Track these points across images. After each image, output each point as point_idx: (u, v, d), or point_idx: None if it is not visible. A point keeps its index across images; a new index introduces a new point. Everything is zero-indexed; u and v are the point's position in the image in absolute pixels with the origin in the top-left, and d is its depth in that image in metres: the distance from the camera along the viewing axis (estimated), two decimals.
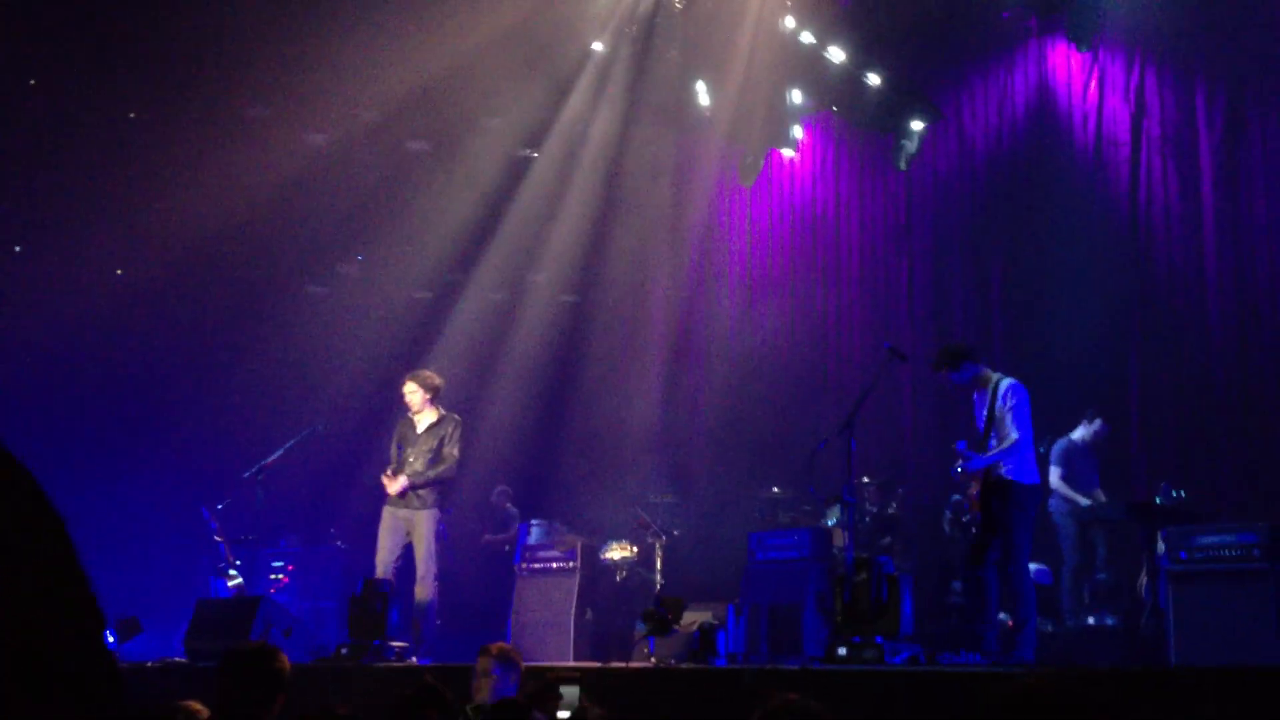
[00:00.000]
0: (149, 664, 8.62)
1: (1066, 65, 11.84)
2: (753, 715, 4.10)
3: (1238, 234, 10.66)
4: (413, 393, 9.42)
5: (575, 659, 9.80)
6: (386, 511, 9.33)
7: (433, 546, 9.29)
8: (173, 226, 12.50)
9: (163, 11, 11.58)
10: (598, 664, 8.33)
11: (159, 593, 10.79)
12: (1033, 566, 8.46)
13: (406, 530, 9.31)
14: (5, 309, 12.52)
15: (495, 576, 11.90)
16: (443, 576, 9.54)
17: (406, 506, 9.28)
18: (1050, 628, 9.50)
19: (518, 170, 13.64)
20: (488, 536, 12.74)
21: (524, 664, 6.19)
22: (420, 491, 9.25)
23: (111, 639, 9.53)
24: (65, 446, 12.55)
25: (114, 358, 12.61)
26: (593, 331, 14.14)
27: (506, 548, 12.07)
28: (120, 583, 11.58)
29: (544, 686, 5.17)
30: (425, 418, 9.49)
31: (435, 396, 9.48)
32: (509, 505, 12.97)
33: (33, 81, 12.15)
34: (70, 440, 12.64)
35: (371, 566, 9.34)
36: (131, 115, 12.56)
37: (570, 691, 5.19)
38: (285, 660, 4.33)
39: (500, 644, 6.31)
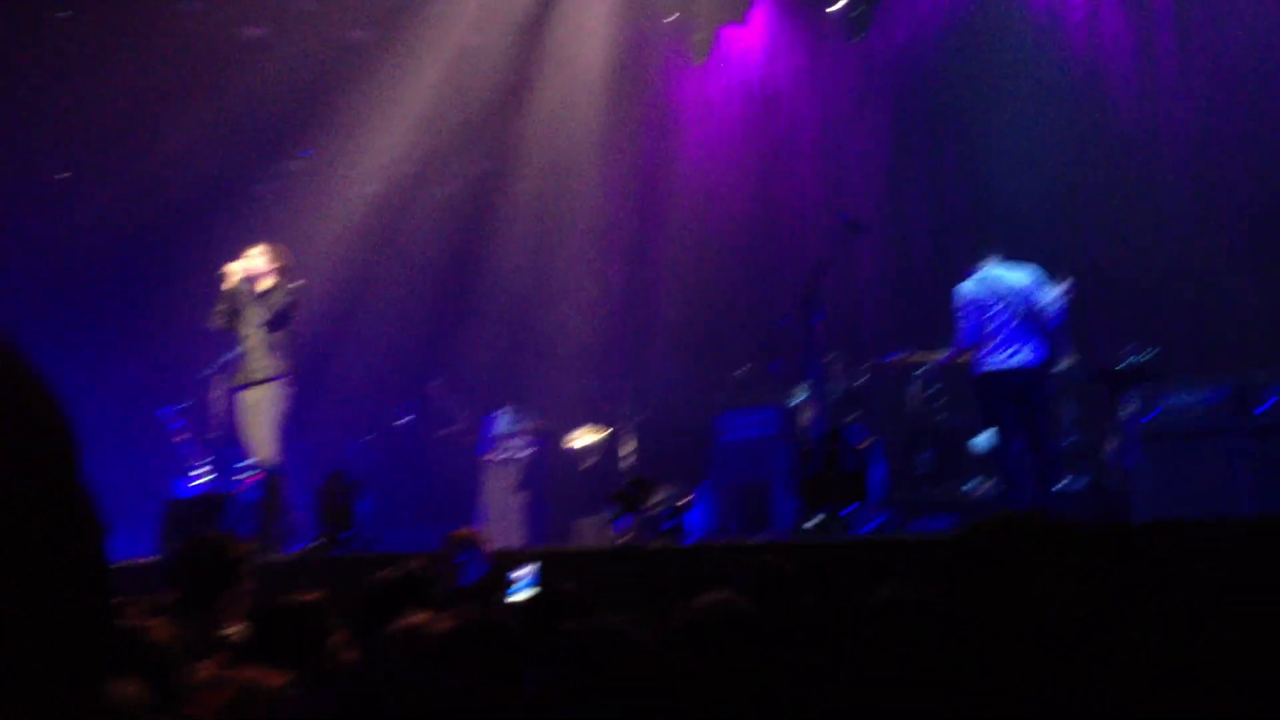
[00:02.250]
0: (120, 564, 8.57)
1: None
2: (725, 576, 4.13)
3: (1193, 86, 10.61)
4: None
5: (547, 545, 9.85)
6: None
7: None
8: (110, 129, 12.18)
9: None
10: (566, 547, 8.36)
11: (127, 494, 10.69)
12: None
13: None
14: None
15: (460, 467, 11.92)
16: (413, 470, 9.42)
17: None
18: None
19: (465, 58, 13.31)
20: (441, 432, 12.72)
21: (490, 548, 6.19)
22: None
23: None
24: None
25: (65, 262, 12.35)
26: (549, 221, 13.96)
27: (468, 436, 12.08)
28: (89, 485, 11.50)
29: (497, 568, 5.16)
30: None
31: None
32: (442, 397, 13.00)
33: None
34: (26, 348, 12.41)
35: (342, 460, 9.27)
36: (64, 13, 12.12)
37: (529, 570, 5.17)
38: (241, 549, 4.28)
39: (464, 529, 6.29)
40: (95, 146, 12.40)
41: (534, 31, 13.40)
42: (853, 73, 12.87)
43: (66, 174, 12.83)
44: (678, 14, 13.44)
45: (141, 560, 8.53)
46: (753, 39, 13.53)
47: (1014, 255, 9.83)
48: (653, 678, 2.53)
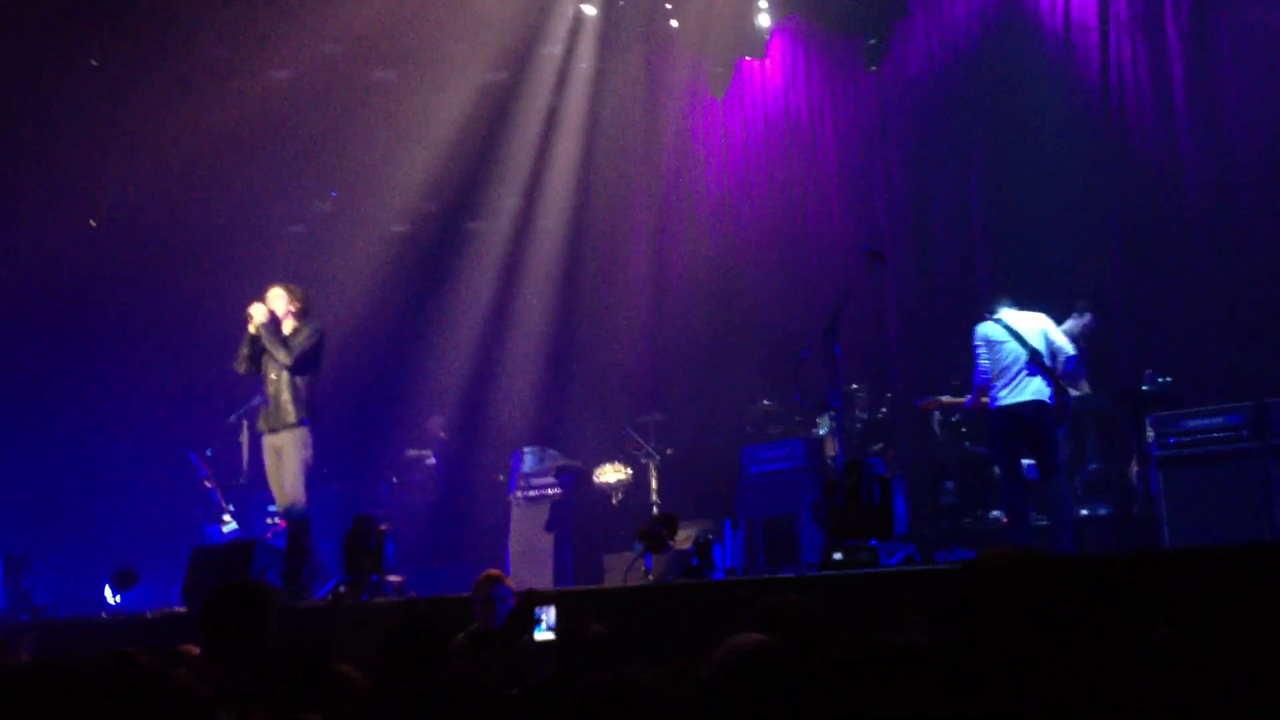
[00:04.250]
0: (148, 614, 8.64)
1: None
2: (750, 617, 4.12)
3: (1211, 112, 10.58)
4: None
5: (575, 583, 9.84)
6: None
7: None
8: (142, 173, 12.35)
9: None
10: (595, 586, 8.35)
11: (155, 543, 10.80)
12: (1024, 462, 8.54)
13: None
14: None
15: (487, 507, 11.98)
16: (433, 509, 9.40)
17: None
18: (1044, 521, 9.55)
19: (487, 96, 13.43)
20: (410, 451, 13.11)
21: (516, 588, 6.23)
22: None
23: (111, 592, 9.58)
24: (49, 401, 12.50)
25: (91, 309, 12.50)
26: (573, 255, 14.04)
27: (428, 461, 12.85)
28: (116, 534, 11.61)
29: (520, 609, 5.17)
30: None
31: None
32: (441, 434, 13.30)
33: None
34: (54, 395, 12.58)
35: (365, 504, 9.27)
36: (92, 62, 12.32)
37: (547, 612, 5.18)
38: (270, 595, 4.31)
39: (493, 570, 6.34)
40: (124, 192, 12.56)
41: (553, 68, 13.51)
42: (871, 102, 12.88)
43: (94, 223, 13.00)
44: (697, 48, 13.52)
45: (169, 609, 8.61)
46: (771, 71, 13.58)
47: (1036, 283, 9.86)
48: None
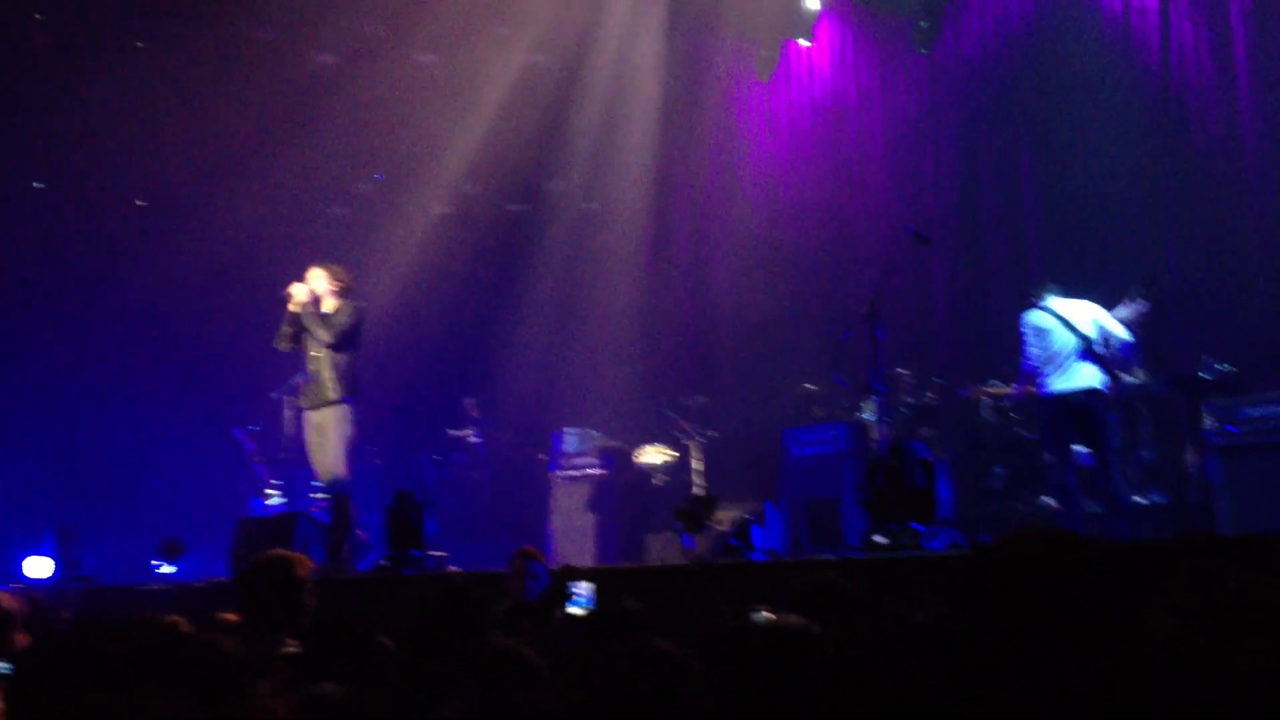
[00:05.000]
0: (195, 584, 8.73)
1: None
2: (786, 596, 4.09)
3: (1274, 97, 10.36)
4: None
5: (617, 563, 9.84)
6: None
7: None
8: (187, 154, 12.45)
9: None
10: (633, 564, 8.35)
11: (202, 516, 10.90)
12: (1077, 449, 8.46)
13: None
14: (30, 245, 12.55)
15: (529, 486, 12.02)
16: (471, 486, 9.40)
17: None
18: (1097, 508, 9.44)
19: (530, 77, 13.42)
20: (451, 431, 13.24)
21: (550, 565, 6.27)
22: None
23: (158, 561, 9.71)
24: (97, 376, 12.66)
25: (138, 286, 12.61)
26: (616, 238, 14.01)
27: (471, 440, 13.03)
28: (164, 506, 11.75)
29: (556, 583, 5.17)
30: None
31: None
32: (474, 414, 13.36)
33: (38, 15, 12.01)
34: (102, 370, 12.73)
35: (408, 480, 9.32)
36: (139, 45, 12.41)
37: (584, 588, 5.18)
38: (306, 567, 4.32)
39: (528, 546, 6.38)
40: (171, 173, 12.67)
41: (597, 49, 13.47)
42: (921, 85, 12.75)
43: (142, 202, 13.13)
44: (741, 31, 13.43)
45: (215, 579, 8.68)
46: (819, 54, 13.46)
47: (1090, 267, 9.74)
48: (695, 701, 2.51)
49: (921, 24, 12.47)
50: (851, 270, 12.61)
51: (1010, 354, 9.38)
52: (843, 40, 13.36)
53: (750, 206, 13.70)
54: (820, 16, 13.30)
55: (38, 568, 9.50)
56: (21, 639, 4.23)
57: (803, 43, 13.43)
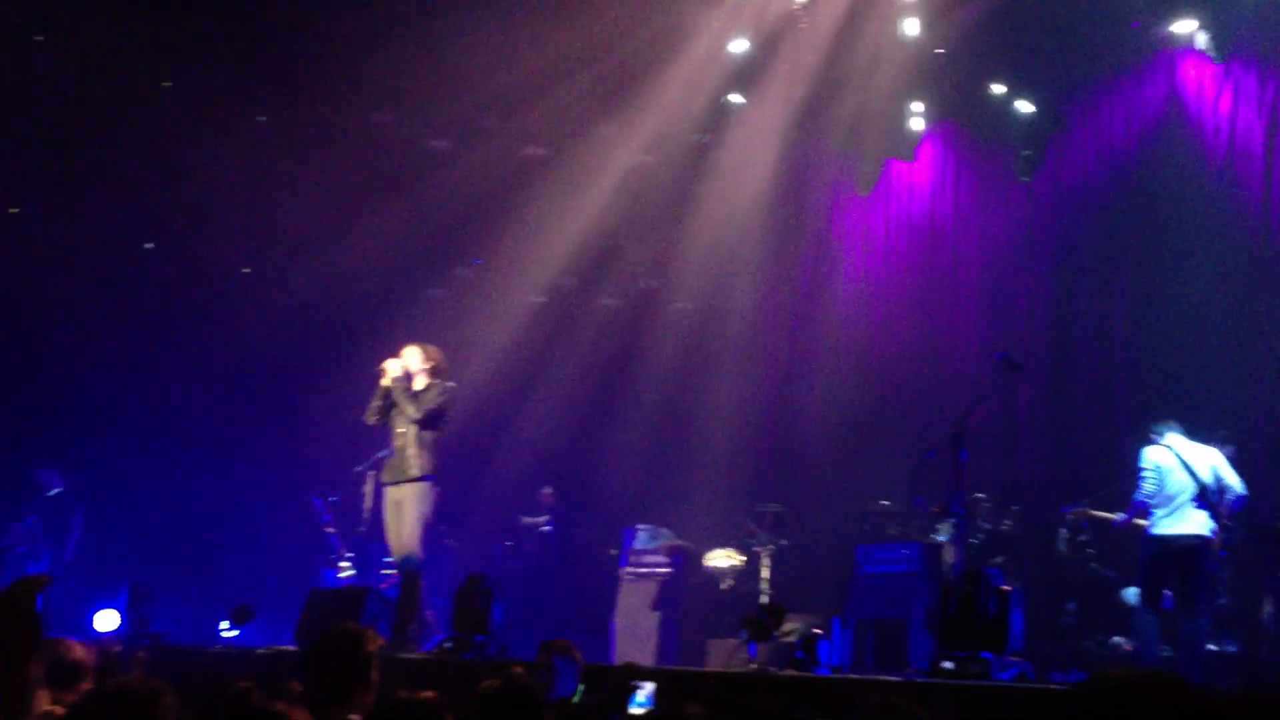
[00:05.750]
0: (259, 650, 8.80)
1: (1197, 76, 11.51)
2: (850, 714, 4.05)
3: None
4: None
5: (678, 664, 9.77)
6: None
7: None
8: (298, 227, 12.81)
9: (293, 18, 11.85)
10: (696, 668, 8.28)
11: (274, 583, 11.03)
12: (1166, 592, 8.33)
13: None
14: (135, 304, 12.93)
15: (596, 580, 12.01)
16: (540, 575, 9.36)
17: None
18: (1170, 653, 9.21)
19: (634, 178, 13.67)
20: (525, 519, 13.31)
21: (583, 662, 6.17)
22: None
23: (228, 626, 9.80)
24: (188, 440, 12.94)
25: (238, 353, 12.93)
26: (707, 340, 14.10)
27: (543, 529, 13.05)
28: (239, 570, 11.91)
29: (615, 684, 5.15)
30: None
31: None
32: (550, 502, 13.46)
33: (166, 84, 12.51)
34: (194, 434, 13.01)
35: (479, 564, 9.36)
36: (261, 118, 12.87)
37: (645, 688, 5.15)
38: (374, 643, 4.36)
39: (562, 640, 6.28)
40: (279, 244, 13.04)
41: (702, 154, 13.70)
42: (1020, 212, 12.78)
43: (247, 270, 13.49)
44: (846, 145, 13.58)
45: (278, 646, 8.76)
46: (920, 173, 13.57)
47: (1178, 407, 9.61)
48: None
49: (1025, 152, 12.53)
50: (938, 391, 12.57)
51: (1097, 482, 9.29)
52: (944, 162, 13.45)
53: (842, 319, 13.74)
54: (923, 137, 13.42)
55: (105, 621, 9.63)
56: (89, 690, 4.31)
57: (905, 160, 13.54)
